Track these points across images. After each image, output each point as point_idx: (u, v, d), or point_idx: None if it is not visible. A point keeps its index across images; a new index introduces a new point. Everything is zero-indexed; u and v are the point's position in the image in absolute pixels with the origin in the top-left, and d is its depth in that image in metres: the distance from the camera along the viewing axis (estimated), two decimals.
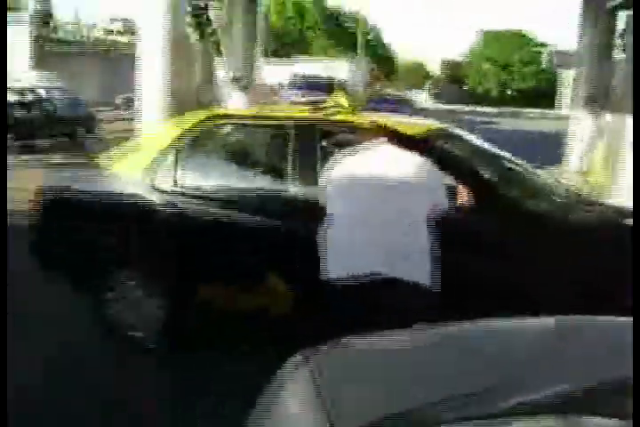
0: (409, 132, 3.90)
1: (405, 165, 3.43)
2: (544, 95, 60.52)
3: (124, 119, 22.19)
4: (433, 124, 4.91)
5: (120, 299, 4.67)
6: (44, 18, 36.40)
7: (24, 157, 14.64)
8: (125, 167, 4.78)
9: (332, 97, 4.55)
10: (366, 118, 4.07)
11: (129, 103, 26.30)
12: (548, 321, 2.23)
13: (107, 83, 35.39)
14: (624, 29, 11.32)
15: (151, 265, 4.64)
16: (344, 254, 3.32)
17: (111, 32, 43.59)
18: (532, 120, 42.25)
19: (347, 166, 3.52)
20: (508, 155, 4.93)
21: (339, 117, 4.41)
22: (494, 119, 38.62)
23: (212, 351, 4.49)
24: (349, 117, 4.35)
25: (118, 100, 32.72)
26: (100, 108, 25.70)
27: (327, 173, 3.60)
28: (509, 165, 4.82)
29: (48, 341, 4.76)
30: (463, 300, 3.71)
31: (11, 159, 14.41)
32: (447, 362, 1.91)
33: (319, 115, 4.48)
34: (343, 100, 4.43)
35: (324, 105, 4.57)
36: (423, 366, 1.89)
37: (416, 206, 3.33)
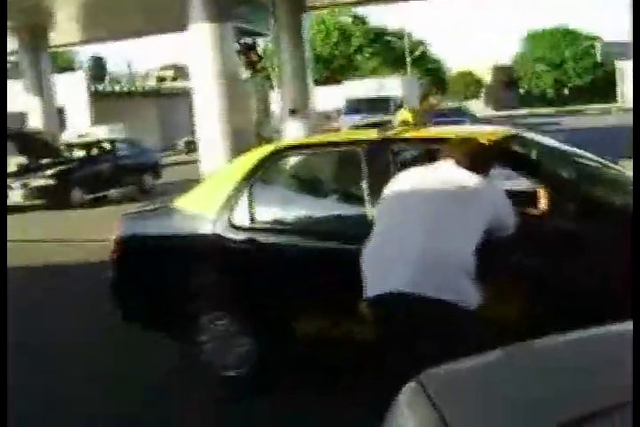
0: (484, 140, 3.81)
1: (457, 181, 3.34)
2: (603, 89, 59.22)
3: (188, 162, 22.70)
4: (504, 130, 4.81)
5: (212, 340, 4.66)
6: (99, 74, 37.70)
7: (97, 209, 15.10)
8: (201, 208, 4.81)
9: (398, 115, 4.51)
10: (437, 132, 4.01)
11: (191, 146, 26.92)
12: None
13: (166, 128, 36.32)
14: None
15: (240, 303, 4.64)
16: (379, 271, 3.26)
17: (164, 79, 44.79)
18: (594, 116, 41.31)
19: (396, 185, 3.50)
20: (584, 152, 4.78)
21: (409, 134, 4.35)
22: (555, 119, 37.95)
23: (313, 385, 4.44)
24: (419, 133, 4.29)
25: (180, 144, 33.55)
26: (163, 154, 26.31)
27: (382, 192, 3.57)
28: (588, 163, 4.68)
29: (146, 387, 4.83)
30: (559, 306, 3.60)
31: (85, 212, 14.95)
32: (577, 375, 1.81)
33: (388, 134, 4.43)
34: (410, 117, 4.37)
35: (392, 124, 4.53)
36: (547, 383, 1.80)
37: (460, 223, 3.22)
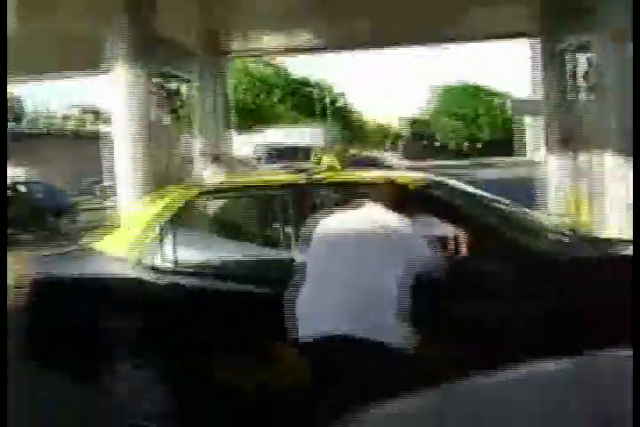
0: (407, 183, 3.90)
1: (383, 224, 3.40)
2: (508, 143, 61.60)
3: (103, 206, 22.22)
4: (427, 176, 4.93)
5: (127, 387, 4.49)
6: (16, 114, 36.78)
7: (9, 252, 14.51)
8: (115, 249, 4.70)
9: (322, 158, 4.57)
10: (362, 176, 4.07)
11: (107, 190, 26.39)
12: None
13: (82, 171, 35.50)
14: (586, 70, 11.61)
15: (155, 348, 4.50)
16: (311, 314, 3.27)
17: (82, 122, 44.06)
18: (502, 168, 42.72)
19: (323, 229, 3.52)
20: (501, 199, 4.94)
21: (334, 178, 4.41)
22: (469, 171, 39.03)
23: None
24: (345, 177, 4.35)
25: (96, 188, 32.81)
26: (77, 197, 25.69)
27: (305, 235, 3.59)
28: (505, 208, 4.83)
29: None
30: (478, 347, 3.67)
31: None
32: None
33: (310, 177, 4.47)
34: (334, 161, 4.44)
35: (314, 167, 4.58)
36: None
37: (388, 265, 3.27)
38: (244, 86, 53.23)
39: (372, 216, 3.45)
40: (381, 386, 2.95)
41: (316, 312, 3.24)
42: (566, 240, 4.52)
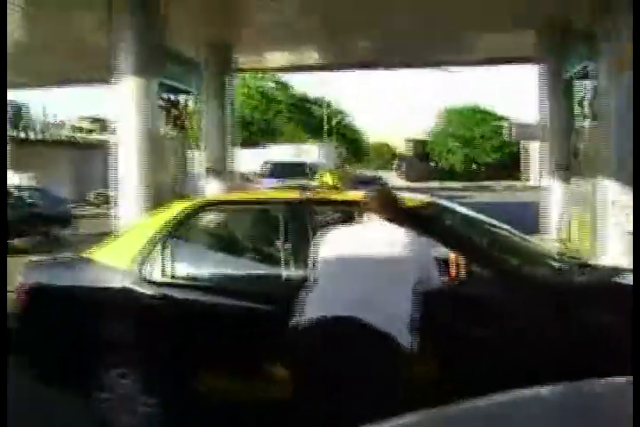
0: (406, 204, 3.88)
1: (393, 239, 3.40)
2: (509, 168, 61.81)
3: (98, 215, 22.18)
4: (423, 197, 4.92)
5: (116, 398, 4.44)
6: (14, 120, 36.79)
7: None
8: (112, 260, 4.67)
9: (324, 176, 4.57)
10: (356, 195, 4.06)
11: (101, 198, 26.42)
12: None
13: (79, 179, 35.54)
14: (590, 97, 11.67)
15: (146, 360, 4.46)
16: (318, 301, 3.24)
17: (81, 129, 44.05)
18: (500, 192, 42.86)
19: (333, 242, 3.50)
20: (498, 223, 4.92)
21: (330, 196, 4.40)
22: (463, 193, 39.13)
23: None
24: (340, 195, 4.34)
25: (91, 196, 32.84)
26: (74, 205, 25.66)
27: (314, 250, 3.57)
28: (502, 233, 4.81)
29: None
30: (473, 372, 3.64)
31: None
32: None
33: (309, 195, 4.45)
34: (331, 179, 4.43)
35: (312, 185, 4.57)
36: None
37: (399, 278, 3.27)
38: (243, 99, 53.38)
39: (377, 230, 3.45)
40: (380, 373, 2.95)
41: (327, 301, 3.22)
42: (563, 267, 4.50)
